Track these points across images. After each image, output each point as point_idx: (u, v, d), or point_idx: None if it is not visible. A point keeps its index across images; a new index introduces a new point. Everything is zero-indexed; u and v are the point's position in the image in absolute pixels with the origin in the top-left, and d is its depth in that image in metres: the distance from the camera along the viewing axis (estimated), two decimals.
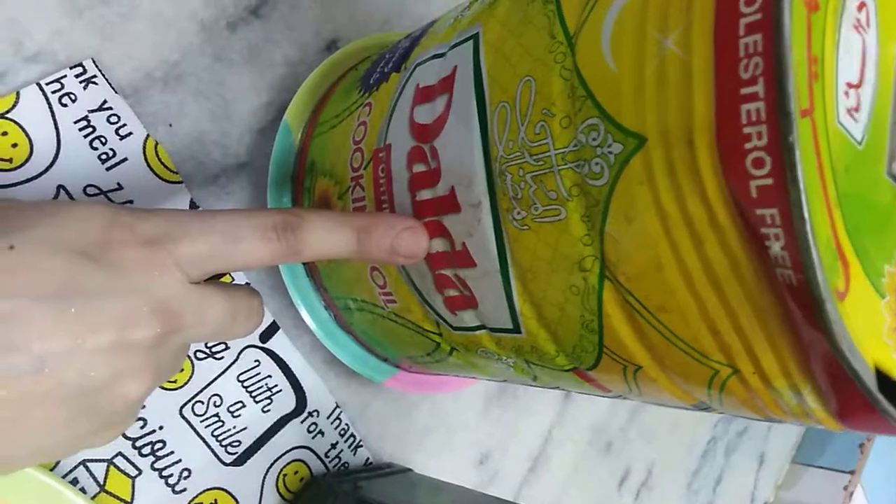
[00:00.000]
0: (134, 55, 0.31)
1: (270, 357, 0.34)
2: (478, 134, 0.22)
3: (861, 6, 0.18)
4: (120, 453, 0.30)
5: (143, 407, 0.31)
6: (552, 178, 0.19)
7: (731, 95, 0.15)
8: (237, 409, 0.33)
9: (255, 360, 0.33)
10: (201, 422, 0.32)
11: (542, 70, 0.20)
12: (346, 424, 0.37)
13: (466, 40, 0.23)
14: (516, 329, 0.24)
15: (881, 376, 0.17)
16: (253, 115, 0.35)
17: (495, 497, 0.34)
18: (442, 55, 0.25)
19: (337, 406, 0.36)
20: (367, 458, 0.38)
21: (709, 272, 0.17)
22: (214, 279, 0.22)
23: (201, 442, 0.32)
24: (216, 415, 0.32)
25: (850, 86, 0.17)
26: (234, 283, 0.24)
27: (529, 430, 0.48)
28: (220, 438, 0.32)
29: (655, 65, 0.16)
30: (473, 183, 0.22)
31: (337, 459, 0.36)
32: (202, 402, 0.32)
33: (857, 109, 0.18)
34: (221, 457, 0.32)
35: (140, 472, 0.30)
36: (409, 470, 0.38)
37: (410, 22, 0.41)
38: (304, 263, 0.33)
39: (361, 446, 0.37)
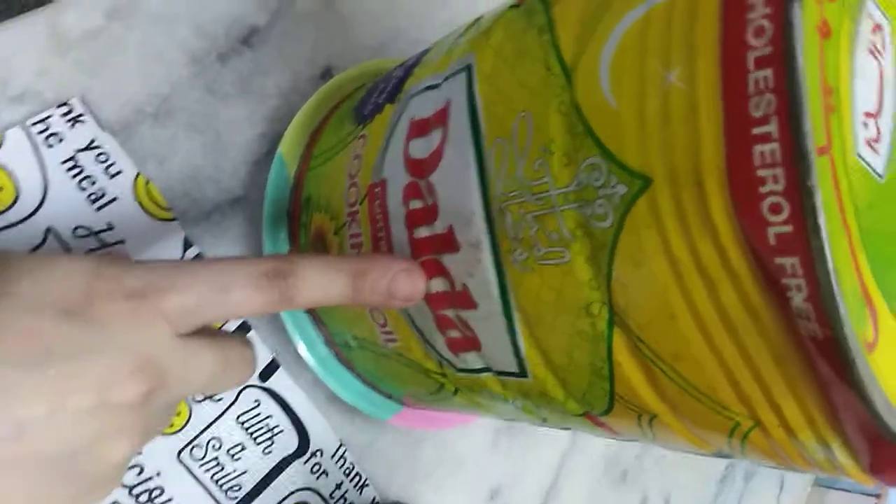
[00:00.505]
0: (122, 91, 0.30)
1: (271, 396, 0.33)
2: (475, 170, 0.21)
3: (876, 28, 0.17)
4: (116, 502, 0.29)
5: (140, 453, 0.30)
6: (554, 218, 0.18)
7: (741, 135, 0.13)
8: (237, 452, 0.32)
9: (255, 401, 0.32)
10: (200, 466, 0.31)
11: (539, 104, 0.18)
12: (351, 463, 0.35)
13: (460, 71, 0.22)
14: (522, 373, 0.22)
15: None
16: (247, 148, 0.34)
17: None
18: (436, 86, 0.24)
19: (341, 444, 0.35)
20: (374, 498, 0.37)
21: (725, 320, 0.16)
22: (206, 328, 0.21)
23: (201, 487, 0.31)
24: (215, 458, 0.31)
25: (868, 115, 0.16)
26: (225, 330, 0.23)
27: (540, 461, 0.46)
28: (220, 483, 0.31)
29: (659, 100, 0.15)
30: (472, 221, 0.21)
31: (342, 500, 0.35)
32: (200, 447, 0.31)
33: (877, 140, 0.16)
34: (222, 502, 0.31)
35: None
36: None
37: (406, 46, 0.40)
38: None
39: (368, 485, 0.36)
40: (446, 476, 0.41)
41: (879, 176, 0.16)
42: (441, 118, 0.23)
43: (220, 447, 0.31)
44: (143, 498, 0.29)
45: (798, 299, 0.14)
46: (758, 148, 0.13)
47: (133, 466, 0.29)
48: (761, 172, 0.13)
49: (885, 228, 0.17)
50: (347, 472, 0.35)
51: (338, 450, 0.35)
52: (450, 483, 0.41)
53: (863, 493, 0.63)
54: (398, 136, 0.25)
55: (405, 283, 0.22)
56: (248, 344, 0.23)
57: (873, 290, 0.15)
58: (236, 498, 0.32)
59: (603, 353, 0.19)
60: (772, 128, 0.13)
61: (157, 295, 0.19)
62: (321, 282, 0.21)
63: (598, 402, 0.21)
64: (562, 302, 0.19)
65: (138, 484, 0.29)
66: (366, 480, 0.36)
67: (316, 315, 0.32)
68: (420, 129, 0.24)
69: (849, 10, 0.16)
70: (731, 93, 0.14)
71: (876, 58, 0.17)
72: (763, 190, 0.13)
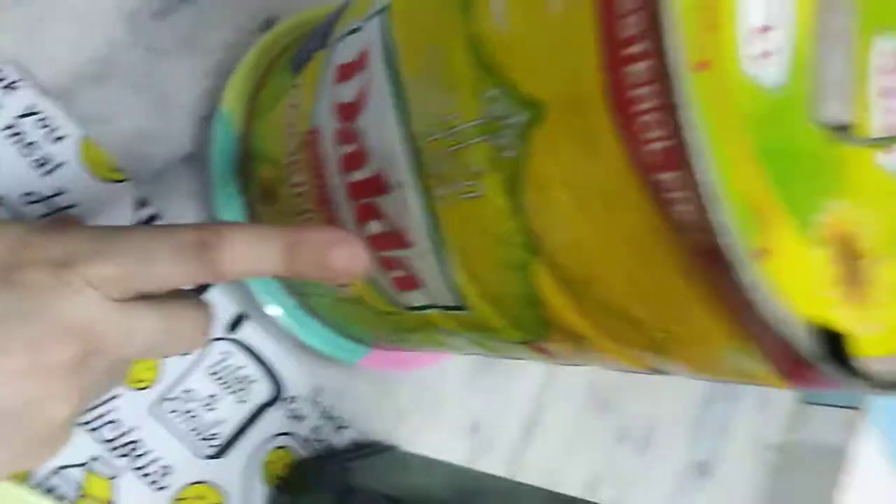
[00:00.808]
0: (59, 56, 0.30)
1: (240, 347, 0.34)
2: (395, 110, 0.21)
3: None
4: (97, 457, 0.30)
5: (113, 409, 0.30)
6: (467, 152, 0.19)
7: (615, 55, 0.14)
8: (211, 403, 0.33)
9: (226, 352, 0.33)
10: (175, 418, 0.32)
11: (446, 37, 0.18)
12: (327, 406, 0.37)
13: (378, 12, 0.22)
14: (462, 306, 0.23)
15: (823, 329, 0.17)
16: (193, 104, 0.34)
17: (484, 473, 0.34)
18: (358, 29, 0.24)
19: (315, 389, 0.36)
20: (353, 438, 0.38)
21: (626, 240, 0.16)
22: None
23: (177, 439, 0.32)
24: (189, 410, 0.32)
25: (758, 30, 0.16)
26: (184, 290, 0.23)
27: (520, 394, 0.47)
28: (197, 433, 0.32)
29: (542, 22, 0.15)
30: (397, 161, 0.21)
31: (320, 442, 0.36)
32: (174, 399, 0.32)
33: (769, 54, 0.17)
34: (201, 451, 0.33)
35: (119, 473, 0.30)
36: (395, 447, 0.38)
37: None
38: None
39: (346, 427, 0.37)
40: (425, 415, 0.42)
41: (774, 89, 0.17)
42: (363, 61, 0.23)
43: (193, 399, 0.32)
44: (123, 451, 0.31)
45: (684, 212, 0.14)
46: (630, 68, 0.13)
47: (109, 422, 0.30)
48: (636, 91, 0.13)
49: (779, 143, 0.17)
50: (324, 414, 0.37)
51: (312, 394, 0.36)
52: (429, 421, 0.42)
53: (844, 407, 0.65)
54: (327, 82, 0.25)
55: (342, 255, 0.21)
56: (201, 307, 0.22)
57: (767, 201, 0.16)
58: (215, 447, 0.33)
59: (528, 280, 0.19)
60: (642, 47, 0.13)
61: (80, 264, 0.19)
62: (250, 254, 0.20)
63: (534, 328, 0.22)
64: (485, 234, 0.19)
65: (116, 438, 0.30)
66: (343, 422, 0.37)
67: None
68: (345, 73, 0.24)
69: None
70: (603, 12, 0.14)
71: None
72: (640, 108, 0.13)
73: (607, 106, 0.14)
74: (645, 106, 0.13)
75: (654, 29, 0.13)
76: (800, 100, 0.17)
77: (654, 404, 0.58)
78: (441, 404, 0.43)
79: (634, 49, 0.13)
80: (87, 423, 0.30)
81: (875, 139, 0.19)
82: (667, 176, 0.14)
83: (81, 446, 0.30)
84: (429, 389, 0.42)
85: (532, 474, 0.48)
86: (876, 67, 0.21)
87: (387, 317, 0.28)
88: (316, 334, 0.34)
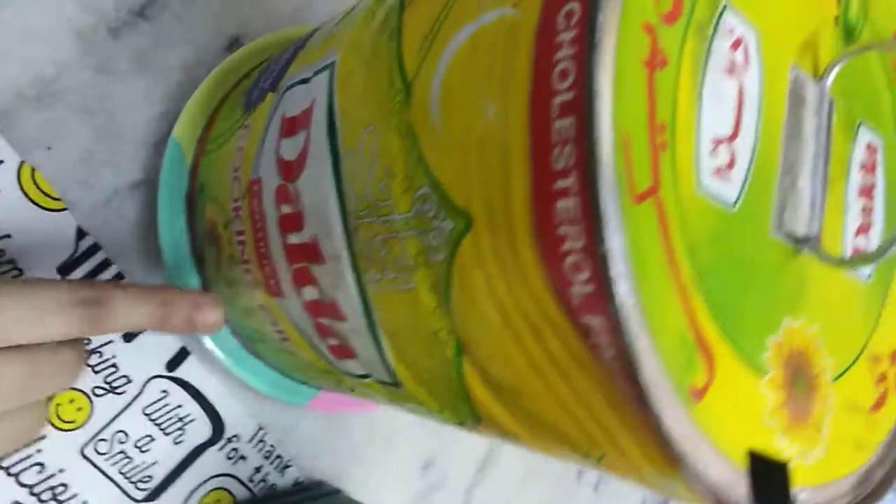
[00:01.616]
0: (0, 75, 0.28)
1: (180, 386, 0.32)
2: (332, 182, 0.19)
3: (737, 44, 0.15)
4: (17, 502, 0.29)
5: (39, 451, 0.29)
6: (399, 243, 0.17)
7: (546, 188, 0.12)
8: (145, 444, 0.31)
9: (163, 391, 0.32)
10: (106, 460, 0.30)
11: (383, 121, 0.17)
12: (272, 446, 0.35)
13: (325, 68, 0.21)
14: (396, 384, 0.22)
15: (761, 464, 0.15)
16: (146, 129, 0.32)
17: None
18: (307, 80, 0.22)
19: (260, 428, 0.35)
20: (297, 478, 0.37)
21: (555, 363, 0.15)
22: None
23: (108, 481, 0.30)
24: (122, 451, 0.31)
25: (719, 141, 0.15)
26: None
27: None
28: (128, 475, 0.31)
29: (478, 134, 0.14)
30: (332, 235, 0.20)
31: (263, 483, 0.35)
32: (105, 440, 0.30)
33: (730, 166, 0.15)
34: (132, 494, 0.31)
35: None
36: (339, 491, 0.37)
37: (326, 11, 0.37)
38: (203, 287, 0.31)
39: (290, 466, 0.36)
40: (376, 454, 0.41)
41: (731, 204, 0.15)
42: (306, 119, 0.21)
43: (126, 440, 0.31)
44: (46, 496, 0.29)
45: (608, 357, 0.13)
46: (559, 203, 0.12)
47: (34, 465, 0.29)
48: (563, 229, 0.12)
49: (736, 259, 0.16)
50: (267, 454, 0.35)
51: (256, 434, 0.35)
52: (380, 460, 0.41)
53: None
54: (272, 132, 0.23)
55: (203, 315, 0.24)
56: (70, 347, 0.23)
57: (710, 333, 0.15)
58: (147, 489, 0.32)
59: (457, 376, 0.18)
60: (571, 182, 0.12)
61: None
62: (129, 312, 0.23)
63: (466, 417, 0.20)
64: (414, 326, 0.18)
65: (39, 482, 0.29)
66: (288, 462, 0.36)
67: None
68: (290, 127, 0.22)
69: (697, 31, 0.14)
70: (537, 141, 0.12)
71: (734, 76, 0.15)
72: (565, 248, 0.12)
73: (534, 239, 0.13)
74: (572, 246, 0.12)
75: (584, 165, 0.12)
76: (762, 212, 0.16)
77: None
78: (393, 442, 0.41)
79: (565, 183, 0.12)
80: (7, 466, 0.28)
81: (842, 259, 0.18)
82: (590, 320, 0.13)
83: (1, 491, 0.28)
84: (380, 427, 0.41)
85: None
86: (857, 161, 0.19)
87: (328, 374, 0.27)
88: (260, 375, 0.32)
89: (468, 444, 0.46)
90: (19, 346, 0.21)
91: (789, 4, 0.17)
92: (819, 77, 0.18)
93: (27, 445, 0.28)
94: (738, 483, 0.15)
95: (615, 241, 0.12)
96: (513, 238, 0.13)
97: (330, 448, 0.39)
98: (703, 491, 0.15)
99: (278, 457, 0.36)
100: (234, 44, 0.35)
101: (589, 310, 0.12)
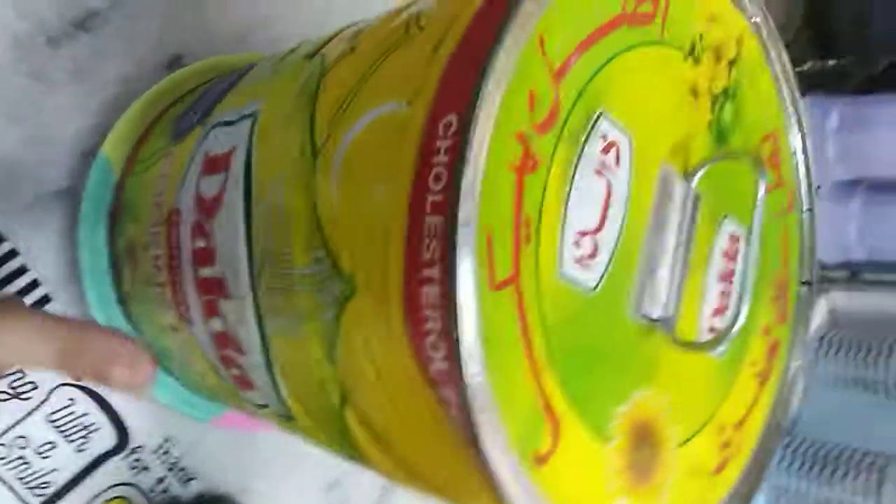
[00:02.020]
0: None
1: (87, 394, 0.33)
2: (242, 228, 0.21)
3: (609, 147, 0.17)
4: None
5: None
6: (295, 295, 0.19)
7: (415, 274, 0.14)
8: (47, 451, 0.32)
9: (70, 399, 0.32)
10: (4, 465, 0.31)
11: (292, 179, 0.18)
12: (176, 458, 0.36)
13: (248, 116, 0.22)
14: (290, 418, 0.23)
15: None
16: (77, 138, 0.32)
17: None
18: (232, 123, 0.23)
19: (166, 440, 0.35)
20: (200, 492, 0.37)
21: (420, 420, 0.16)
22: None
23: (3, 485, 0.31)
24: (21, 457, 0.31)
25: (583, 233, 0.17)
26: None
27: None
28: (25, 481, 0.31)
29: (367, 212, 0.15)
30: (239, 276, 0.21)
31: (164, 494, 0.36)
32: (4, 445, 0.31)
33: (592, 255, 0.17)
34: (27, 499, 0.31)
35: None
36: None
37: (266, 40, 0.38)
38: (119, 301, 0.31)
39: (194, 479, 0.37)
40: (283, 470, 0.41)
41: (591, 289, 0.17)
42: (227, 161, 0.22)
43: (26, 446, 0.31)
44: None
45: (459, 424, 0.14)
46: (424, 289, 0.14)
47: None
48: (426, 312, 0.14)
49: (591, 338, 0.17)
50: (171, 466, 0.36)
51: (161, 445, 0.35)
52: (287, 477, 0.42)
53: None
54: (195, 166, 0.24)
55: (122, 372, 0.20)
56: None
57: (558, 404, 0.16)
58: (44, 496, 0.32)
59: (341, 421, 0.20)
60: (435, 272, 0.13)
61: None
62: (24, 348, 0.19)
63: (353, 455, 0.22)
64: (304, 371, 0.20)
65: None
66: (192, 474, 0.36)
67: (133, 323, 0.32)
68: (211, 166, 0.23)
69: (570, 138, 0.16)
70: (411, 232, 0.14)
71: (603, 176, 0.17)
72: (427, 327, 0.14)
73: (404, 316, 0.14)
74: (431, 327, 0.14)
75: (448, 257, 0.13)
76: (620, 296, 0.18)
77: None
78: (300, 460, 0.42)
79: (430, 272, 0.14)
80: None
81: (692, 343, 0.20)
82: (446, 392, 0.14)
83: None
84: (289, 445, 0.42)
85: None
86: (719, 250, 0.22)
87: (233, 396, 0.28)
88: (167, 389, 0.33)
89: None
90: None
91: (665, 109, 0.20)
92: (687, 176, 0.20)
93: None
94: None
95: (466, 328, 0.13)
96: (388, 311, 0.15)
97: (236, 463, 0.39)
98: None
99: (182, 469, 0.36)
100: (175, 62, 0.35)
101: (444, 383, 0.14)
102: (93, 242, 0.31)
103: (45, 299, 0.31)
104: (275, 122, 0.20)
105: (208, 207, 0.23)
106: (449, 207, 0.13)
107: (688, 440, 0.20)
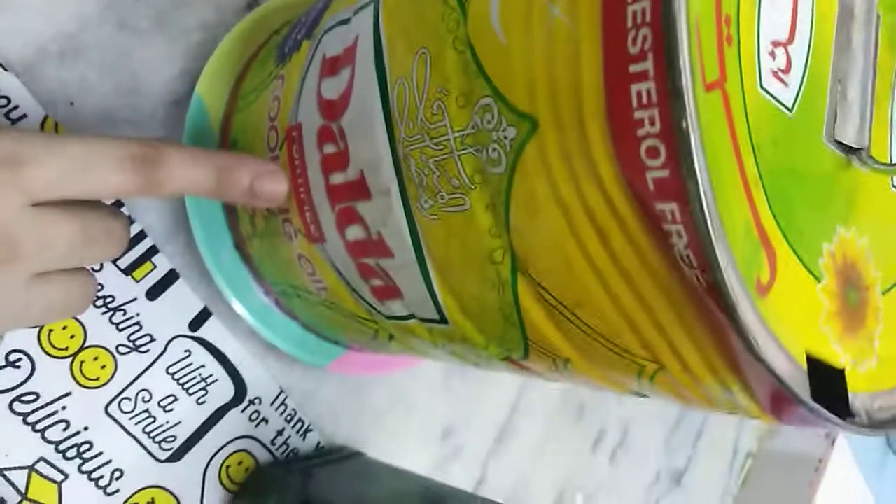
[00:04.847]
0: (24, 28, 0.28)
1: (203, 346, 0.32)
2: (380, 113, 0.19)
3: None
4: (42, 458, 0.28)
5: (64, 409, 0.29)
6: (453, 163, 0.17)
7: (619, 73, 0.12)
8: (169, 404, 0.31)
9: (186, 351, 0.32)
10: (130, 419, 0.30)
11: (436, 41, 0.17)
12: (293, 410, 0.35)
13: (368, 4, 0.21)
14: (443, 320, 0.22)
15: (819, 366, 0.16)
16: (166, 87, 0.32)
17: (451, 487, 0.33)
18: (347, 21, 0.22)
19: (282, 391, 0.35)
20: (319, 443, 0.36)
21: (618, 267, 0.15)
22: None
23: (132, 440, 0.30)
24: (146, 410, 0.31)
25: (777, 44, 0.15)
26: (95, 201, 0.22)
27: (494, 400, 0.46)
28: (152, 435, 0.31)
29: (543, 36, 0.14)
30: (380, 168, 0.20)
31: (285, 446, 0.35)
32: (129, 399, 0.30)
33: (786, 70, 0.16)
34: (155, 454, 0.31)
35: (66, 476, 0.29)
36: (361, 454, 0.37)
37: None
38: (235, 246, 0.31)
39: (311, 430, 0.36)
40: (397, 420, 0.41)
41: (788, 109, 0.16)
42: (350, 56, 0.21)
43: (150, 399, 0.31)
44: (72, 454, 0.29)
45: (680, 245, 0.13)
46: (634, 87, 0.12)
47: (59, 422, 0.29)
48: (638, 114, 0.12)
49: (793, 164, 0.16)
50: (289, 418, 0.35)
51: (278, 397, 0.35)
52: (401, 426, 0.41)
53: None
54: (312, 75, 0.23)
55: (268, 183, 0.23)
56: (117, 216, 0.22)
57: (772, 231, 0.15)
58: (171, 449, 0.31)
59: (510, 300, 0.18)
60: (648, 65, 0.12)
61: (17, 164, 0.19)
62: (187, 172, 0.21)
63: (515, 347, 0.20)
64: (467, 250, 0.18)
65: (65, 439, 0.29)
66: (309, 426, 0.36)
67: (251, 264, 0.31)
68: (331, 67, 0.22)
69: None
70: (609, 27, 0.12)
71: None
72: (640, 133, 0.12)
73: (607, 128, 0.13)
74: (647, 130, 0.12)
75: (661, 46, 0.12)
76: (816, 120, 0.16)
77: (630, 410, 0.57)
78: (413, 410, 0.42)
79: (641, 67, 0.12)
80: (33, 422, 0.28)
81: (891, 164, 0.18)
82: (664, 206, 0.13)
83: (26, 447, 0.28)
84: (401, 394, 0.41)
85: (503, 481, 0.47)
86: None
87: (366, 323, 0.27)
88: (284, 335, 0.32)
89: (488, 414, 0.46)
90: (70, 204, 0.20)
91: None
92: None
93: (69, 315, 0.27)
94: (800, 381, 0.15)
95: (693, 123, 0.12)
96: (582, 132, 0.13)
97: (350, 413, 0.38)
98: (768, 387, 0.15)
99: (300, 420, 0.35)
100: (253, 3, 0.35)
101: (663, 196, 0.13)
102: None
103: (153, 250, 0.31)
104: None
105: (335, 108, 0.22)
106: None
107: (890, 288, 0.18)
